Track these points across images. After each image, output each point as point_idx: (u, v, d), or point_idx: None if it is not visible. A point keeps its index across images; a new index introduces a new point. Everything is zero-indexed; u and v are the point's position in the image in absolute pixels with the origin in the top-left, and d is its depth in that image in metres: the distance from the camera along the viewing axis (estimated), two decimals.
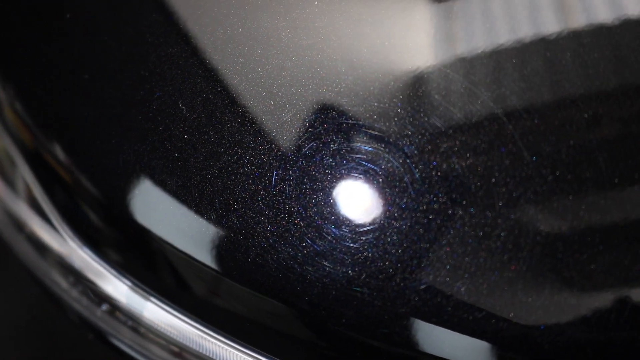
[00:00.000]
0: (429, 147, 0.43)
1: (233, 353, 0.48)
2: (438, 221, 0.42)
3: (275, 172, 0.44)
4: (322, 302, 0.44)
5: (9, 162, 0.57)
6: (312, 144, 0.44)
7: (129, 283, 0.51)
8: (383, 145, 0.43)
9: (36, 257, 0.55)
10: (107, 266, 0.51)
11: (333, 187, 0.44)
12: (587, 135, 0.43)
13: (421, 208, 0.43)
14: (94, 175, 0.49)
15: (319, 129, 0.44)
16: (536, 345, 0.42)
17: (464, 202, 0.42)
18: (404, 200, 0.43)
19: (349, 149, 0.44)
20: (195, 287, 0.48)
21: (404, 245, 0.43)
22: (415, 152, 0.43)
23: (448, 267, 0.42)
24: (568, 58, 0.44)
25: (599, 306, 0.42)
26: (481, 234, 0.42)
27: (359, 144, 0.44)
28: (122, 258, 0.51)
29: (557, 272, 0.42)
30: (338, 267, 0.43)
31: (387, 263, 0.43)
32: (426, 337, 0.43)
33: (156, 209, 0.47)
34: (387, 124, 0.44)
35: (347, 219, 0.43)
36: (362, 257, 0.43)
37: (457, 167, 0.43)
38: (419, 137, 0.43)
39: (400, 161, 0.43)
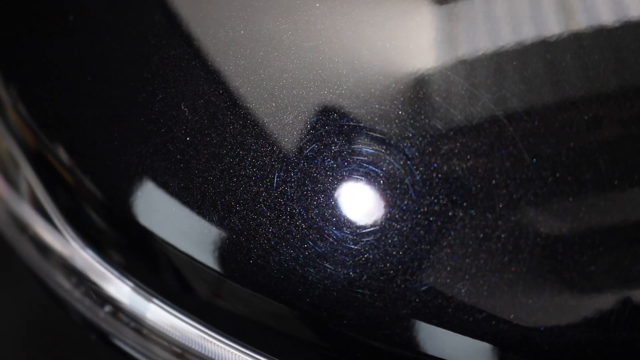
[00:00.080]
0: (430, 149, 0.43)
1: (235, 354, 0.48)
2: (439, 223, 0.43)
3: (276, 174, 0.44)
4: (323, 303, 0.44)
5: (12, 164, 0.57)
6: (313, 145, 0.44)
7: (131, 284, 0.51)
8: (384, 147, 0.43)
9: (39, 258, 0.55)
10: (109, 267, 0.51)
11: (334, 189, 0.44)
12: (587, 137, 0.43)
13: (422, 210, 0.43)
14: (97, 177, 0.49)
15: (320, 131, 0.44)
16: (536, 347, 0.42)
17: (465, 204, 0.42)
18: (405, 202, 0.43)
19: (350, 150, 0.44)
20: (198, 288, 0.48)
21: (405, 246, 0.43)
22: (416, 154, 0.43)
23: (449, 268, 0.42)
24: (568, 60, 0.44)
25: (599, 307, 0.42)
26: (482, 235, 0.42)
27: (360, 145, 0.44)
28: (124, 259, 0.51)
29: (557, 274, 0.42)
30: (339, 269, 0.43)
31: (388, 264, 0.43)
32: (427, 339, 0.43)
33: (158, 211, 0.47)
34: (388, 126, 0.44)
35: (349, 221, 0.43)
36: (363, 259, 0.43)
37: (457, 169, 0.43)
38: (420, 139, 0.43)
39: (401, 163, 0.43)
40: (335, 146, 0.44)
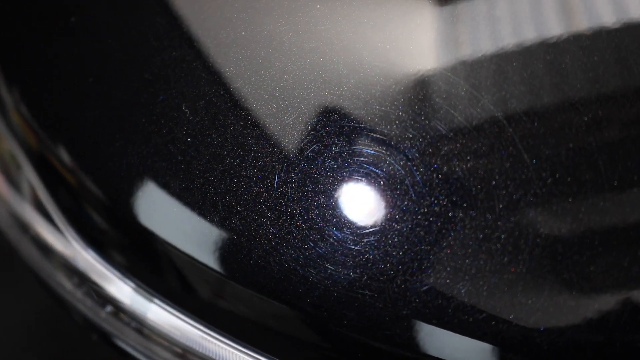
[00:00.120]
0: (430, 150, 0.43)
1: (236, 354, 0.48)
2: (439, 223, 0.43)
3: (277, 175, 0.44)
4: (323, 303, 0.44)
5: (14, 164, 0.57)
6: (314, 146, 0.44)
7: (132, 285, 0.51)
8: (384, 148, 0.44)
9: (41, 258, 0.56)
10: (111, 268, 0.52)
11: (335, 190, 0.44)
12: (586, 138, 0.43)
13: (422, 210, 0.43)
14: (98, 177, 0.49)
15: (320, 132, 0.44)
16: (536, 347, 0.42)
17: (465, 205, 0.43)
18: (405, 202, 0.43)
19: (350, 151, 0.44)
20: (199, 288, 0.48)
21: (405, 247, 0.43)
22: (417, 154, 0.43)
23: (449, 269, 0.43)
24: (568, 61, 0.44)
25: (598, 307, 0.42)
26: (481, 236, 0.42)
27: (361, 146, 0.44)
28: (125, 260, 0.51)
29: (557, 274, 0.42)
30: (340, 269, 0.43)
31: (388, 265, 0.43)
32: (427, 339, 0.43)
33: (159, 211, 0.47)
34: (388, 127, 0.44)
35: (349, 221, 0.44)
36: (364, 259, 0.43)
37: (457, 169, 0.43)
38: (420, 140, 0.43)
39: (402, 164, 0.43)
40: (335, 147, 0.44)
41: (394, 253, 0.43)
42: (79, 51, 0.52)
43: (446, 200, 0.43)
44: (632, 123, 0.44)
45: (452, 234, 0.43)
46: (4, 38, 0.56)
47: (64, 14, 0.53)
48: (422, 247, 0.43)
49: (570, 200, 0.42)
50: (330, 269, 0.44)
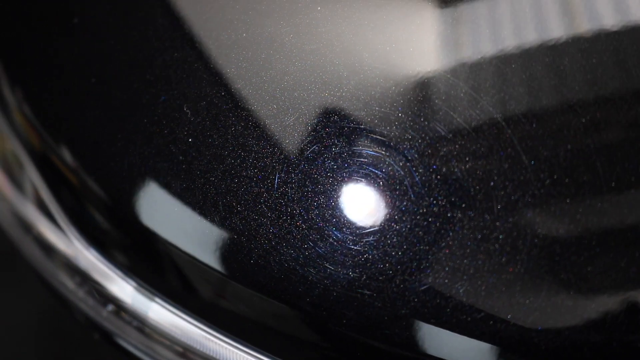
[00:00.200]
0: (429, 151, 0.44)
1: (236, 353, 0.49)
2: (438, 224, 0.43)
3: (277, 175, 0.45)
4: (323, 303, 0.44)
5: (17, 164, 0.57)
6: (314, 147, 0.45)
7: (134, 284, 0.51)
8: (384, 149, 0.44)
9: (43, 258, 0.56)
10: (112, 267, 0.52)
11: (334, 190, 0.44)
12: (584, 139, 0.43)
13: (421, 211, 0.43)
14: (100, 177, 0.50)
15: (320, 133, 0.45)
16: (534, 346, 0.43)
17: (463, 205, 0.43)
18: (404, 203, 0.43)
19: (350, 152, 0.44)
20: (199, 288, 0.49)
21: (404, 247, 0.43)
22: (416, 155, 0.44)
23: (447, 269, 0.43)
24: (566, 63, 0.44)
25: (595, 308, 0.42)
26: (480, 236, 0.43)
27: (360, 147, 0.44)
28: (127, 259, 0.51)
29: (555, 274, 0.42)
30: (339, 269, 0.44)
31: (387, 265, 0.43)
32: (425, 338, 0.44)
33: (160, 211, 0.47)
34: (388, 128, 0.44)
35: (348, 221, 0.44)
36: (363, 259, 0.43)
37: (456, 170, 0.43)
38: (419, 141, 0.44)
39: (401, 164, 0.44)
40: (335, 148, 0.44)
41: (393, 253, 0.43)
42: (82, 52, 0.52)
43: (445, 200, 0.43)
44: (630, 125, 0.44)
45: (451, 234, 0.43)
46: (7, 38, 0.57)
47: (66, 15, 0.53)
48: (421, 247, 0.43)
49: (568, 202, 0.42)
50: (330, 268, 0.44)
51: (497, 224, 0.43)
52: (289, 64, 0.46)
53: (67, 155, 0.51)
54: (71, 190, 0.52)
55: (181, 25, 0.49)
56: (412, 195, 0.43)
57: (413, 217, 0.43)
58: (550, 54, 0.45)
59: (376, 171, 0.44)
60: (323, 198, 0.44)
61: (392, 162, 0.44)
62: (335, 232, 0.44)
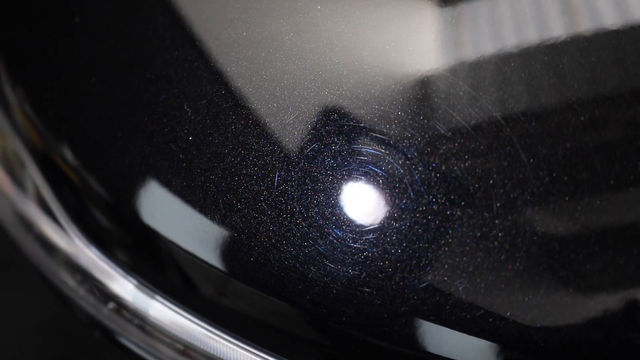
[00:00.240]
0: (429, 149, 0.44)
1: (236, 351, 0.49)
2: (437, 222, 0.43)
3: (277, 173, 0.45)
4: (323, 300, 0.44)
5: (18, 163, 0.58)
6: (313, 145, 0.45)
7: (134, 282, 0.51)
8: (383, 147, 0.44)
9: (44, 256, 0.56)
10: (113, 265, 0.52)
11: (334, 188, 0.44)
12: (583, 138, 0.43)
13: (420, 209, 0.43)
14: (101, 176, 0.50)
15: (320, 131, 0.45)
16: (533, 344, 0.43)
17: (463, 203, 0.43)
18: (404, 201, 0.43)
19: (350, 150, 0.44)
20: (199, 286, 0.49)
21: (404, 245, 0.43)
22: (415, 153, 0.44)
23: (446, 266, 0.43)
24: (565, 62, 0.44)
25: (594, 305, 0.42)
26: (479, 234, 0.43)
27: (360, 145, 0.44)
28: (127, 257, 0.51)
29: (554, 272, 0.42)
30: (339, 267, 0.44)
31: (386, 262, 0.43)
32: (425, 336, 0.44)
33: (161, 209, 0.47)
34: (387, 126, 0.44)
35: (348, 219, 0.44)
36: (363, 257, 0.44)
37: (455, 168, 0.43)
38: (419, 139, 0.44)
39: (400, 162, 0.44)
40: (335, 146, 0.44)
41: (393, 251, 0.43)
42: (82, 51, 0.52)
43: (444, 198, 0.43)
44: (628, 124, 0.44)
45: (450, 232, 0.43)
46: (8, 38, 0.57)
47: (67, 14, 0.54)
48: (421, 245, 0.43)
49: (567, 199, 0.43)
50: (330, 266, 0.44)
51: (497, 221, 0.43)
52: (288, 63, 0.46)
53: (67, 154, 0.51)
54: (72, 188, 0.53)
55: (181, 24, 0.49)
56: (411, 193, 0.43)
57: (412, 215, 0.43)
58: (549, 52, 0.45)
59: (376, 169, 0.44)
60: (323, 196, 0.44)
61: (391, 160, 0.44)
62: (335, 230, 0.44)
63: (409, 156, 0.44)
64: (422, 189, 0.43)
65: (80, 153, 0.51)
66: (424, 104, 0.44)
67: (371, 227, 0.44)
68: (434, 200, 0.43)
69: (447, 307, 0.43)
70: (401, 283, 0.43)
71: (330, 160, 0.44)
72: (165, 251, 0.48)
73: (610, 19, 0.46)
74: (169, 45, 0.49)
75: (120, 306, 0.52)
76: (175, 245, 0.47)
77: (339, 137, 0.45)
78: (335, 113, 0.45)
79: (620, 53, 0.45)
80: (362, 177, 0.44)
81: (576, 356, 0.43)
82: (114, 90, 0.50)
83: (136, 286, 0.51)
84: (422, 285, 0.43)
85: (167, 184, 0.47)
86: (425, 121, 0.44)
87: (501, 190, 0.43)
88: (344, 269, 0.44)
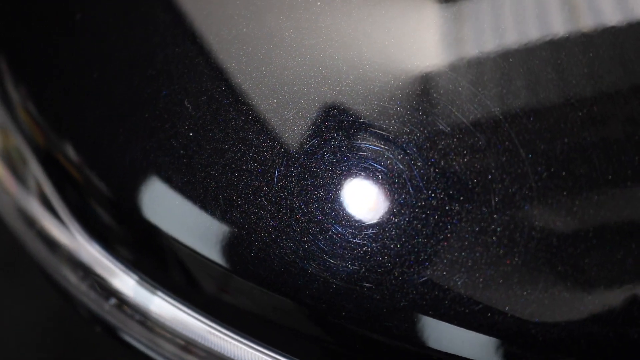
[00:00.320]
0: (428, 145, 0.44)
1: (237, 346, 0.49)
2: (436, 217, 0.43)
3: (277, 169, 0.45)
4: (322, 295, 0.45)
5: (20, 161, 0.58)
6: (313, 141, 0.45)
7: (136, 277, 0.52)
8: (383, 143, 0.44)
9: (46, 252, 0.56)
10: (114, 261, 0.52)
11: (334, 184, 0.44)
12: (581, 133, 0.43)
13: (419, 204, 0.43)
14: (102, 172, 0.50)
15: (320, 127, 0.45)
16: (531, 338, 0.43)
17: (461, 198, 0.43)
18: (403, 196, 0.44)
19: (349, 146, 0.44)
20: (200, 281, 0.49)
21: (403, 240, 0.43)
22: (414, 149, 0.44)
23: (445, 261, 0.43)
24: (563, 58, 0.45)
25: (592, 300, 0.43)
26: (477, 229, 0.43)
27: (359, 141, 0.44)
28: (129, 253, 0.52)
29: (552, 267, 0.43)
30: (338, 262, 0.44)
31: (386, 257, 0.44)
32: (424, 330, 0.44)
33: (161, 205, 0.48)
34: (386, 122, 0.44)
35: (348, 214, 0.44)
36: (362, 252, 0.44)
37: (454, 164, 0.43)
38: (418, 134, 0.44)
39: (400, 158, 0.44)
40: (334, 141, 0.45)
41: (392, 246, 0.44)
42: (84, 48, 0.53)
43: (443, 193, 0.43)
44: (626, 119, 0.44)
45: (449, 227, 0.43)
46: (10, 36, 0.57)
47: (69, 12, 0.54)
48: (420, 240, 0.43)
49: (565, 194, 0.43)
50: (329, 261, 0.44)
51: (495, 216, 0.43)
52: (288, 59, 0.46)
53: (69, 151, 0.52)
54: (74, 185, 0.53)
55: (182, 20, 0.49)
56: (410, 189, 0.44)
57: (412, 210, 0.43)
58: (548, 48, 0.45)
59: (375, 165, 0.44)
60: (322, 191, 0.44)
61: (391, 156, 0.44)
62: (335, 225, 0.44)
63: (408, 152, 0.44)
64: (421, 184, 0.43)
65: (82, 150, 0.51)
66: (423, 100, 0.45)
67: (370, 222, 0.44)
68: (432, 195, 0.43)
69: (446, 301, 0.43)
70: (400, 278, 0.43)
71: (329, 156, 0.45)
72: (166, 247, 0.49)
73: (609, 15, 0.46)
74: (169, 42, 0.49)
75: (122, 302, 0.53)
76: (176, 241, 0.48)
77: (338, 132, 0.45)
78: (335, 109, 0.45)
79: (619, 49, 0.45)
80: (362, 173, 0.44)
81: (574, 350, 0.43)
82: (115, 87, 0.50)
83: (137, 282, 0.52)
84: (421, 280, 0.43)
85: (168, 180, 0.47)
86: (424, 117, 0.44)
87: (500, 186, 0.43)
88: (344, 264, 0.44)
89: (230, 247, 0.46)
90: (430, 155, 0.44)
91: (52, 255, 0.56)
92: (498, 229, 0.43)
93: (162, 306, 0.51)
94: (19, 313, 0.74)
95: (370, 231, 0.44)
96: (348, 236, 0.44)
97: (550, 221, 0.43)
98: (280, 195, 0.45)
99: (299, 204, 0.45)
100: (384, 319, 0.44)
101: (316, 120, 0.45)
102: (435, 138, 0.44)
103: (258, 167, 0.45)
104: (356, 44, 0.46)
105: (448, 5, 0.47)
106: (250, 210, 0.45)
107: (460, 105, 0.44)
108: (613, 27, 0.45)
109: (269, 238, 0.45)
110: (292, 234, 0.45)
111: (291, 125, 0.45)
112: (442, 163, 0.44)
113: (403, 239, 0.43)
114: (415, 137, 0.44)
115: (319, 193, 0.44)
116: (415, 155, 0.44)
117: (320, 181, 0.45)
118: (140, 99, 0.49)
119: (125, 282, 0.52)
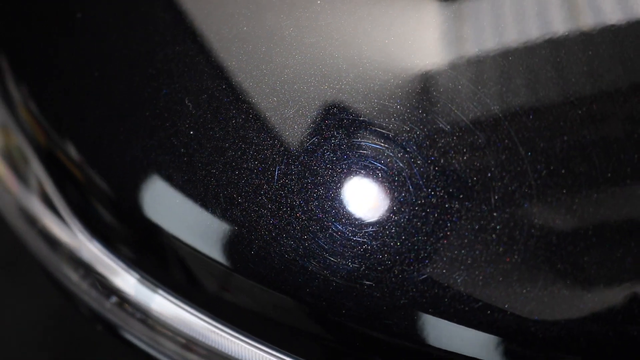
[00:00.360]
0: (428, 143, 0.44)
1: (238, 344, 0.49)
2: (436, 215, 0.43)
3: (277, 167, 0.45)
4: (322, 293, 0.45)
5: (22, 159, 0.58)
6: (313, 139, 0.45)
7: (137, 276, 0.52)
8: (383, 141, 0.44)
9: (47, 250, 0.56)
10: (115, 259, 0.52)
11: (334, 182, 0.45)
12: (581, 131, 0.43)
13: (419, 202, 0.44)
14: (103, 171, 0.50)
15: (320, 125, 0.45)
16: (531, 336, 0.43)
17: (461, 196, 0.43)
18: (403, 194, 0.44)
19: (349, 144, 0.45)
20: (200, 279, 0.49)
21: (403, 238, 0.44)
22: (414, 147, 0.44)
23: (445, 259, 0.43)
24: (563, 56, 0.45)
25: (592, 297, 0.43)
26: (477, 227, 0.43)
27: (359, 139, 0.45)
28: (130, 251, 0.52)
29: (551, 265, 0.43)
30: (338, 260, 0.44)
31: (386, 255, 0.44)
32: (424, 328, 0.44)
33: (162, 204, 0.48)
34: (386, 120, 0.45)
35: (348, 213, 0.44)
36: (362, 250, 0.44)
37: (454, 162, 0.44)
38: (418, 133, 0.44)
39: (400, 156, 0.44)
40: (335, 140, 0.45)
41: (392, 243, 0.44)
42: (85, 47, 0.53)
43: (443, 191, 0.43)
44: (626, 118, 0.44)
45: (449, 225, 0.43)
46: (11, 35, 0.57)
47: (69, 11, 0.54)
48: (419, 238, 0.43)
49: (564, 192, 0.43)
50: (330, 259, 0.44)
51: (495, 214, 0.43)
52: (289, 57, 0.47)
53: (70, 149, 0.52)
54: (75, 183, 0.53)
55: (182, 19, 0.50)
56: (410, 187, 0.44)
57: (411, 208, 0.44)
58: (548, 46, 0.45)
59: (375, 163, 0.44)
60: (323, 189, 0.45)
61: (390, 154, 0.44)
62: (335, 224, 0.44)
63: (408, 150, 0.44)
64: (420, 182, 0.44)
65: (83, 149, 0.51)
66: (423, 98, 0.45)
67: (370, 220, 0.44)
68: (432, 193, 0.43)
69: (446, 299, 0.43)
70: (400, 276, 0.44)
71: (329, 154, 0.45)
72: (167, 245, 0.49)
73: (609, 14, 0.46)
74: (170, 41, 0.49)
75: (123, 300, 0.53)
76: (177, 239, 0.48)
77: (338, 131, 0.45)
78: (335, 107, 0.45)
79: (618, 47, 0.45)
80: (362, 171, 0.44)
81: (573, 348, 0.43)
82: (116, 86, 0.50)
83: (138, 280, 0.52)
84: (421, 278, 0.43)
85: (169, 178, 0.47)
86: (424, 115, 0.44)
87: (499, 184, 0.43)
88: (344, 262, 0.44)
89: (230, 245, 0.46)
90: (430, 153, 0.44)
91: (53, 254, 0.56)
92: (498, 227, 0.43)
93: (163, 304, 0.51)
94: (20, 312, 0.74)
95: (370, 229, 0.44)
96: (348, 234, 0.44)
97: (549, 219, 0.43)
98: (281, 194, 0.45)
99: (299, 202, 0.45)
100: (384, 316, 0.44)
101: (316, 118, 0.45)
102: (435, 136, 0.44)
103: (258, 166, 0.45)
104: (356, 43, 0.46)
105: (448, 3, 0.47)
106: (251, 209, 0.45)
107: (460, 104, 0.44)
108: (613, 26, 0.45)
109: (269, 236, 0.45)
110: (293, 232, 0.45)
111: (291, 123, 0.45)
112: (442, 161, 0.44)
113: (403, 237, 0.44)
114: (415, 135, 0.44)
115: (319, 191, 0.45)
116: (415, 153, 0.44)
117: (320, 179, 0.45)
118: (141, 97, 0.49)
119: (127, 281, 0.52)
